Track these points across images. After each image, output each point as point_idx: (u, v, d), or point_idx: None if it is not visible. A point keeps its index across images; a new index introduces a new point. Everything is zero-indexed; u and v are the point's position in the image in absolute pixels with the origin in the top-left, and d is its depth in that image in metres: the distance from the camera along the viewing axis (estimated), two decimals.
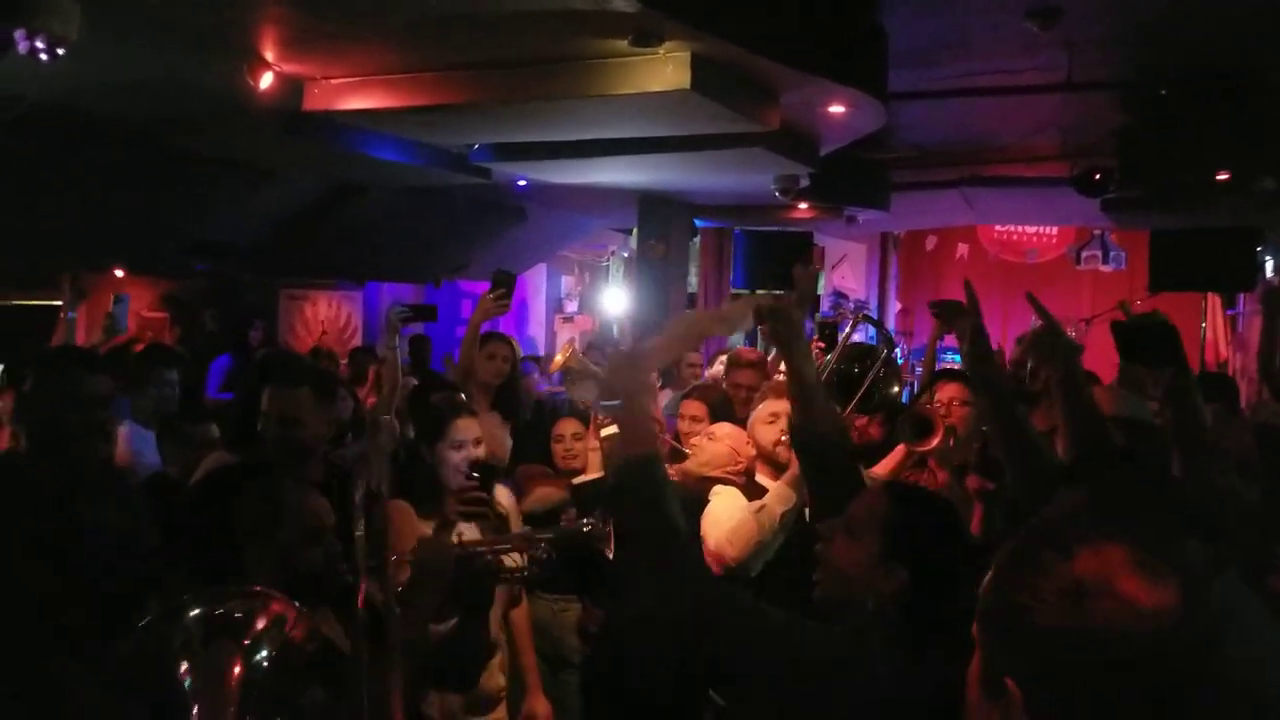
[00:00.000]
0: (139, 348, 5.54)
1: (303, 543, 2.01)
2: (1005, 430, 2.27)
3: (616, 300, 10.28)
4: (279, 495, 2.08)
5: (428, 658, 2.09)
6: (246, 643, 1.25)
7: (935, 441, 3.31)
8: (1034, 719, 0.95)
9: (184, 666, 1.22)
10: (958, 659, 1.13)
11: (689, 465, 3.23)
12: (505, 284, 3.93)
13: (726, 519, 2.85)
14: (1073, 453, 2.17)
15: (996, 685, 0.98)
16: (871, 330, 6.18)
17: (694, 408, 3.72)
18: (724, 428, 3.37)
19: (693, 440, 3.46)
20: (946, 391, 3.50)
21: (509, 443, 3.98)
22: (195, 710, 1.19)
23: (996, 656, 0.99)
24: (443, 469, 2.82)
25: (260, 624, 1.28)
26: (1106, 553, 0.94)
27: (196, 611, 1.26)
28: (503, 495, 3.12)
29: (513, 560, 2.53)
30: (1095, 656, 0.92)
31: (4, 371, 3.01)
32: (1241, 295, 9.13)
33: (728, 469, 3.10)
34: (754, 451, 3.16)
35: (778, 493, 2.85)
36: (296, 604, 1.34)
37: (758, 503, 2.86)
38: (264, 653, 1.26)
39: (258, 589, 1.39)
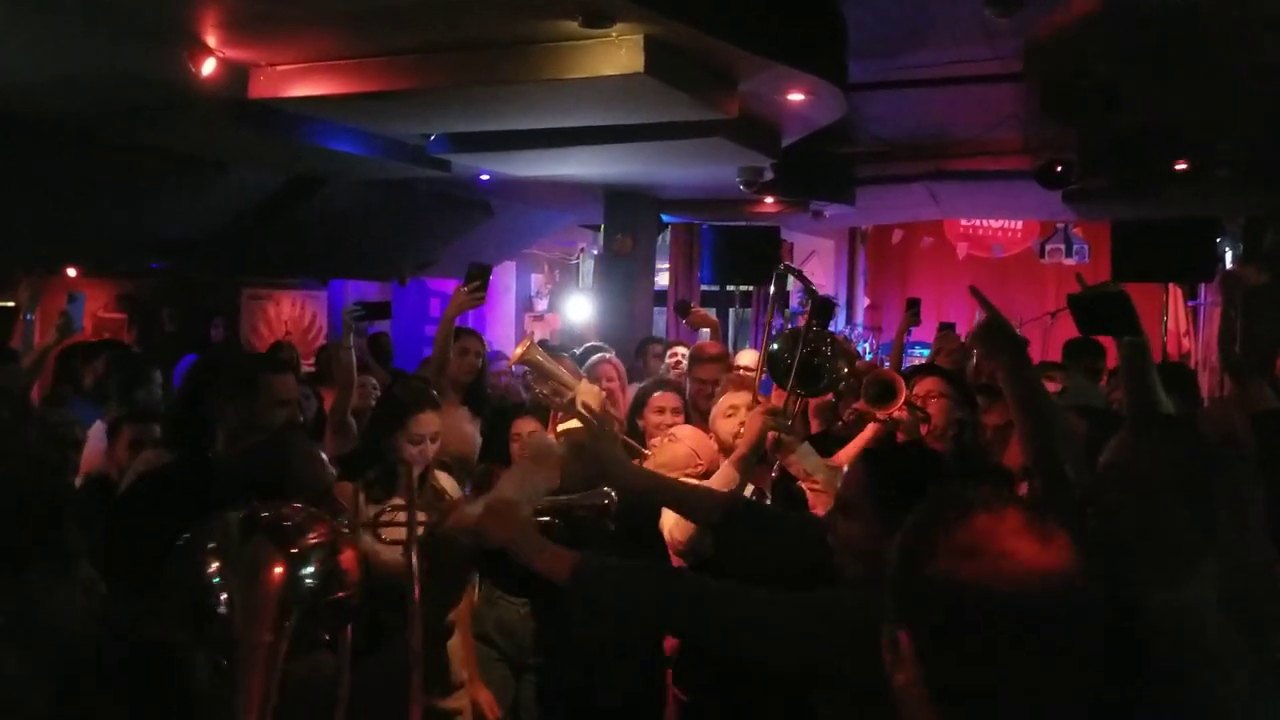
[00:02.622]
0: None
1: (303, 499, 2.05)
2: (1044, 457, 2.14)
3: (581, 308, 10.22)
4: (284, 456, 2.15)
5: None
6: (293, 550, 1.19)
7: (898, 405, 3.28)
8: (922, 667, 0.98)
9: (214, 564, 1.16)
10: None
11: (648, 465, 3.21)
12: (480, 276, 3.88)
13: None
14: (1029, 445, 2.14)
15: (894, 638, 1.01)
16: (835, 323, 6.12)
17: (669, 399, 3.69)
18: (685, 429, 3.37)
19: (653, 441, 3.42)
20: (924, 385, 3.51)
21: (478, 439, 3.91)
22: (225, 599, 1.13)
23: (893, 607, 1.02)
24: (399, 463, 2.78)
25: (311, 539, 1.21)
26: (1002, 516, 0.98)
27: (240, 513, 1.21)
28: (446, 482, 3.06)
29: None
30: (977, 608, 0.95)
31: None
32: (1202, 286, 9.22)
33: (686, 471, 3.09)
34: (715, 452, 3.14)
35: (721, 474, 2.85)
36: (348, 533, 1.29)
37: (703, 485, 2.84)
38: (310, 569, 1.19)
39: (317, 510, 1.32)
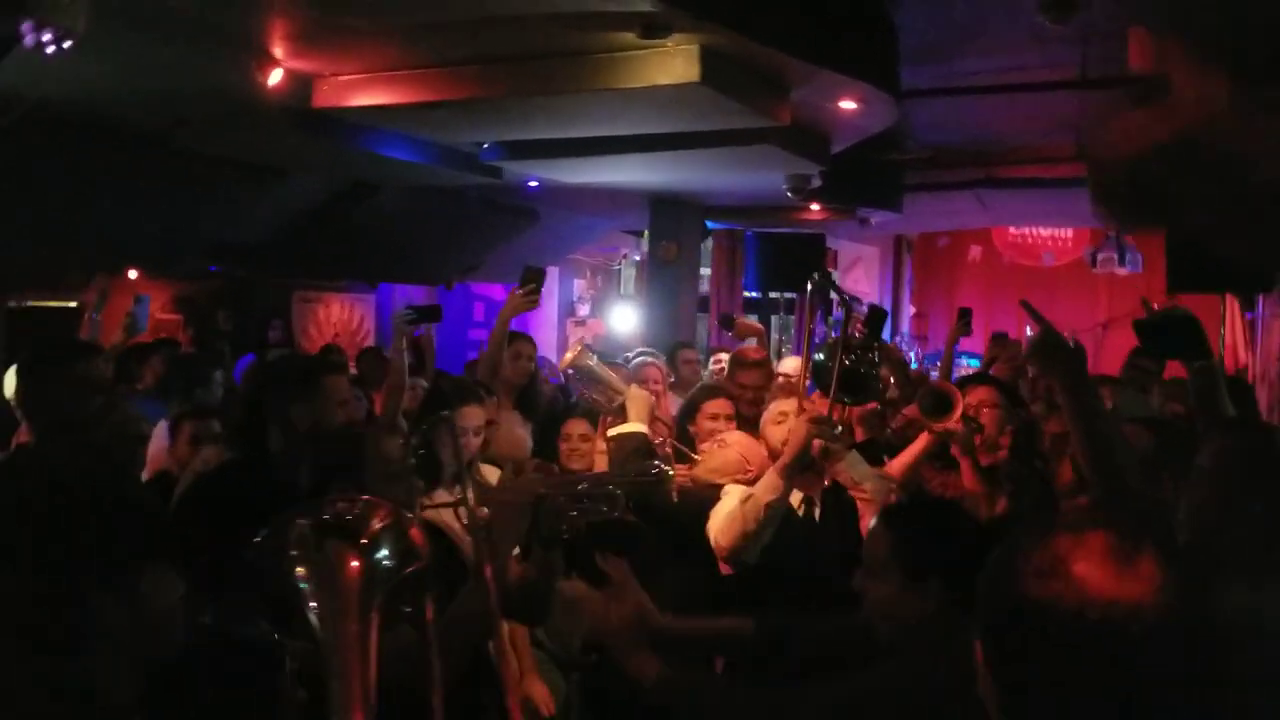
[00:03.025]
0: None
1: (382, 482, 2.22)
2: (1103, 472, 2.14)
3: (626, 317, 10.24)
4: (360, 441, 2.35)
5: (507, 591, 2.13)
6: (363, 542, 1.27)
7: (954, 418, 3.27)
8: (992, 678, 1.00)
9: (300, 570, 1.25)
10: None
11: (698, 471, 3.23)
12: (535, 279, 3.90)
13: (724, 510, 2.87)
14: (1087, 460, 2.14)
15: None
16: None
17: (723, 406, 3.68)
18: (735, 435, 3.37)
19: (703, 446, 3.43)
20: (976, 395, 3.49)
21: (530, 443, 3.95)
22: (314, 605, 1.22)
23: (979, 617, 1.03)
24: (441, 452, 2.83)
25: (376, 525, 1.29)
26: (1084, 538, 0.97)
27: (306, 519, 1.29)
28: (491, 474, 3.10)
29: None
30: (1045, 627, 0.95)
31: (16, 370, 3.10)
32: (1260, 298, 9.03)
33: (736, 477, 3.09)
34: (765, 458, 3.13)
35: (765, 482, 2.82)
36: (407, 511, 1.36)
37: (747, 491, 2.84)
38: (384, 553, 1.27)
39: (366, 497, 1.41)
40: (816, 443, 2.84)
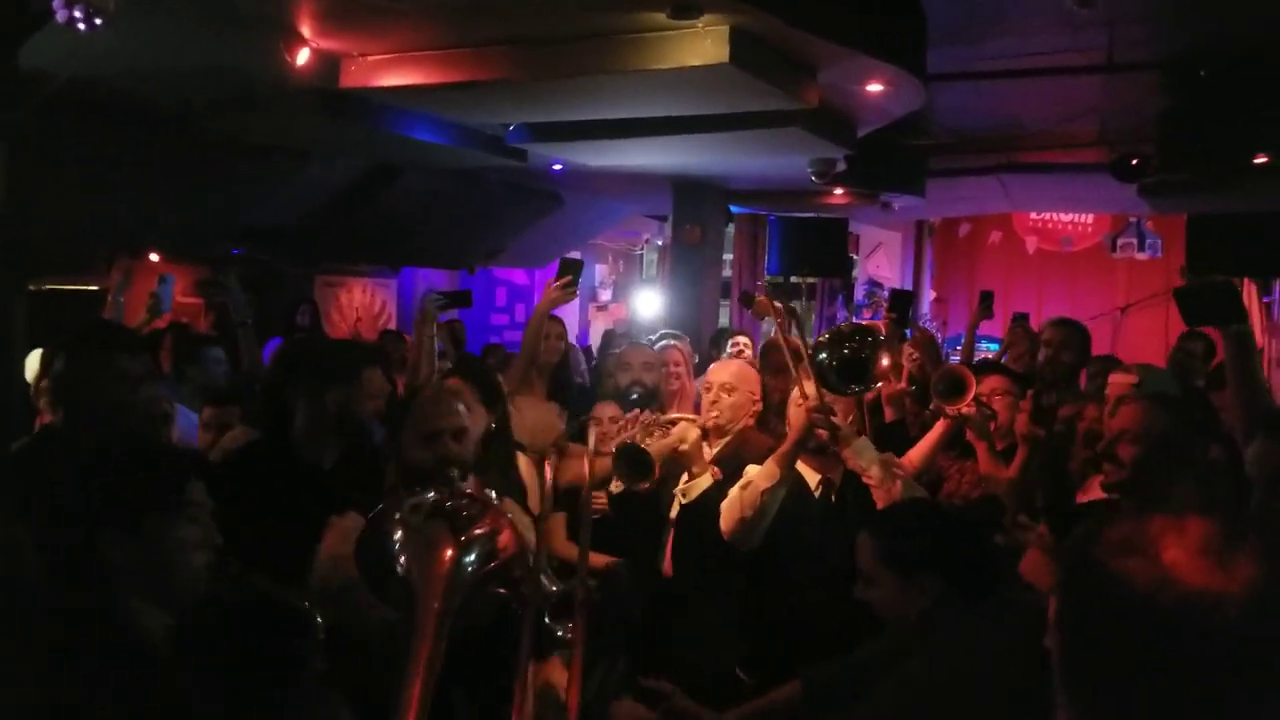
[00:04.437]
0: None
1: (416, 444, 2.41)
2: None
3: (650, 301, 10.23)
4: (404, 406, 2.57)
5: None
6: (463, 539, 1.35)
7: (967, 400, 3.30)
8: (1059, 642, 1.00)
9: (398, 536, 1.34)
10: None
11: (704, 420, 3.25)
12: (572, 271, 3.90)
13: (730, 495, 2.89)
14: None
15: None
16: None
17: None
18: (727, 370, 3.38)
19: (706, 404, 3.37)
20: (988, 383, 3.56)
21: (562, 426, 3.96)
22: (403, 568, 1.30)
23: (1058, 576, 1.04)
24: None
25: (477, 530, 1.36)
26: (1183, 524, 0.94)
27: (425, 497, 1.39)
28: (523, 465, 3.11)
29: None
30: (1106, 601, 0.94)
31: (41, 355, 3.04)
32: (1277, 283, 8.99)
33: (749, 410, 3.21)
34: (754, 376, 3.32)
35: (763, 470, 2.82)
36: (510, 516, 1.41)
37: (747, 478, 2.85)
38: (473, 556, 1.34)
39: (483, 496, 1.49)
40: (821, 431, 2.84)
